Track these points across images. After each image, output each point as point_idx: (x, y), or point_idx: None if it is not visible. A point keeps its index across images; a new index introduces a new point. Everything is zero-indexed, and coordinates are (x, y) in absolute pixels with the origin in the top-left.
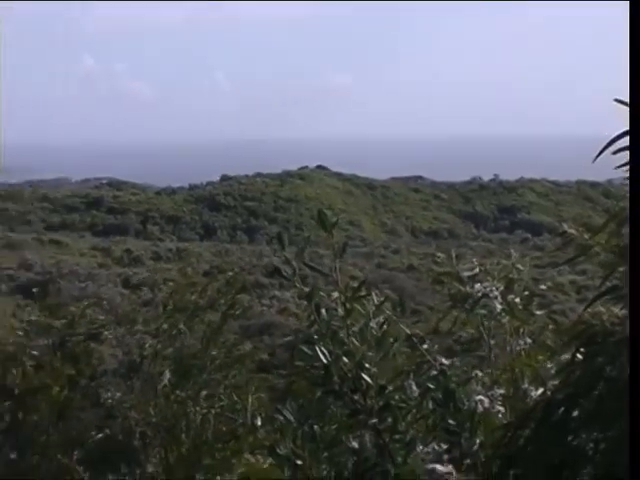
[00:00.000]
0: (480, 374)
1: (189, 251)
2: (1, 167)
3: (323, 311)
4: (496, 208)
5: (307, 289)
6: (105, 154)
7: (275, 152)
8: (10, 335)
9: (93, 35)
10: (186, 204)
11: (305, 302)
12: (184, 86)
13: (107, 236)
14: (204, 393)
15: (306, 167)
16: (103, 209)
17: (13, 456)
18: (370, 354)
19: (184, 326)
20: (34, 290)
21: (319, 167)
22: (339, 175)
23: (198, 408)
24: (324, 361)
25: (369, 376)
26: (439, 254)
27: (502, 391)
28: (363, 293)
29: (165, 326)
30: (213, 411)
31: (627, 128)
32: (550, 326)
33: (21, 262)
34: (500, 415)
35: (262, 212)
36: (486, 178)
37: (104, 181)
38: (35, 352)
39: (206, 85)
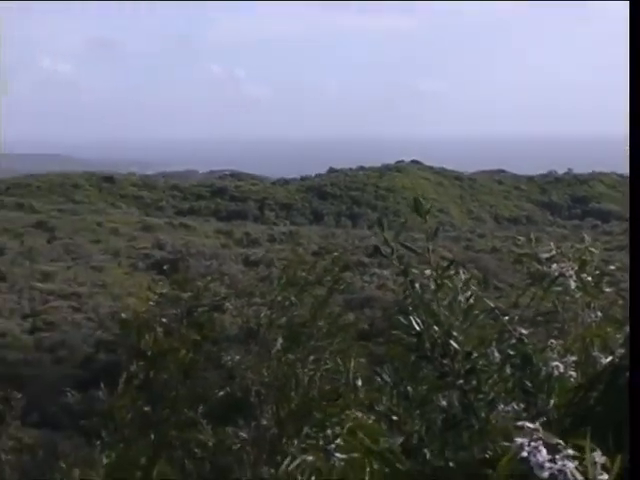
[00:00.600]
0: (555, 343)
1: (300, 234)
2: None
3: (417, 286)
4: (570, 198)
5: (402, 267)
6: (228, 149)
7: (375, 149)
8: (145, 305)
9: (219, 45)
10: (298, 193)
11: (401, 278)
12: (297, 87)
13: (229, 221)
14: (311, 357)
15: (402, 161)
16: (226, 197)
17: (147, 409)
18: (457, 324)
19: (295, 299)
20: (165, 267)
21: (413, 162)
22: (431, 169)
23: (306, 370)
24: (417, 329)
25: (456, 343)
26: (519, 237)
27: (574, 358)
28: (452, 271)
29: (279, 298)
30: (319, 373)
31: None
32: (619, 301)
33: (155, 242)
34: (572, 379)
35: (364, 200)
36: (561, 172)
37: (227, 172)
38: (165, 320)
39: (317, 88)
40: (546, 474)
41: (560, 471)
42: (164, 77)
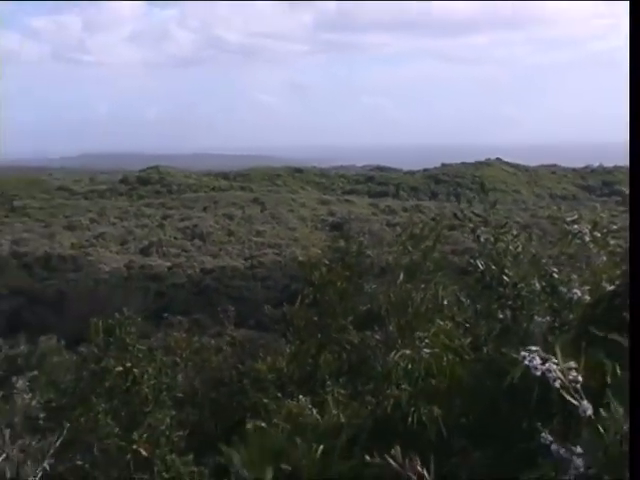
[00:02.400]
0: (575, 277)
1: (422, 207)
2: None
3: (482, 239)
4: (601, 182)
5: (472, 226)
6: (375, 150)
7: (473, 150)
8: (314, 253)
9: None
10: (421, 180)
11: (471, 234)
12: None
13: (376, 198)
14: (422, 286)
15: (490, 159)
16: (375, 182)
17: (315, 319)
18: (509, 264)
19: (411, 247)
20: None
21: (497, 159)
22: (508, 164)
23: (418, 294)
24: (481, 268)
25: (508, 277)
26: (560, 207)
27: (588, 287)
28: (505, 229)
29: (401, 247)
30: (426, 296)
31: None
32: (618, 249)
33: (328, 211)
34: (586, 301)
35: (464, 184)
36: (595, 165)
37: (375, 166)
38: (327, 261)
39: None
40: (538, 372)
41: (547, 370)
42: (337, 108)
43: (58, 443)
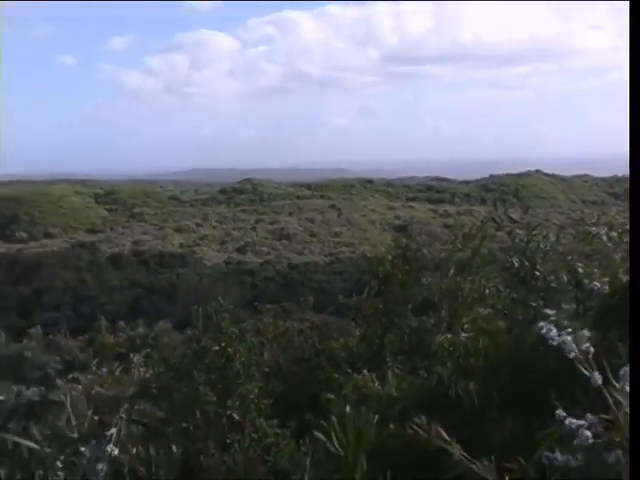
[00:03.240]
0: (596, 271)
1: (473, 211)
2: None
3: (516, 239)
4: (626, 190)
5: (508, 229)
6: (432, 163)
7: (513, 162)
8: (379, 250)
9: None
10: (473, 188)
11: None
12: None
13: (434, 204)
14: (469, 278)
15: (530, 170)
16: (433, 191)
17: (380, 306)
18: (540, 260)
19: (462, 245)
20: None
21: (537, 170)
22: (546, 174)
23: (466, 285)
24: (515, 264)
25: (539, 272)
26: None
27: (607, 279)
28: (537, 231)
29: (453, 246)
30: (473, 287)
31: None
32: None
33: (394, 215)
34: (606, 291)
35: (510, 192)
36: (620, 175)
37: (434, 177)
38: (390, 257)
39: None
40: (555, 342)
41: (563, 341)
42: (401, 128)
43: (167, 408)
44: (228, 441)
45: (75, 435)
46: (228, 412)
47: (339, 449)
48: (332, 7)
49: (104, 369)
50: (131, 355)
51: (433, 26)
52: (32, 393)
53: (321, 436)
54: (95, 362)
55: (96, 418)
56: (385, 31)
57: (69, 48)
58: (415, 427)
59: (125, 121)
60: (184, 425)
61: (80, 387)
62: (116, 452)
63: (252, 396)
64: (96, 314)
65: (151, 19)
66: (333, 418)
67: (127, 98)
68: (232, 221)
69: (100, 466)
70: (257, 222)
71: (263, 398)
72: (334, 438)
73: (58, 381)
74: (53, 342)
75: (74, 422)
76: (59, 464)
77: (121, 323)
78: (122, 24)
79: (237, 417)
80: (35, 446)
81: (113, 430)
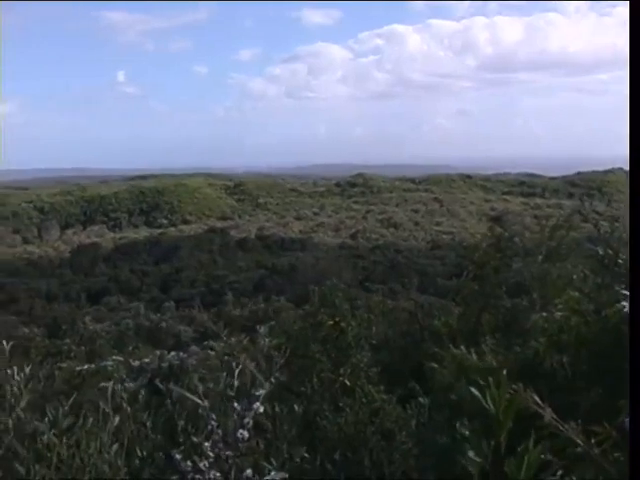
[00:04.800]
0: None
1: (562, 205)
2: None
3: (601, 230)
4: None
5: (594, 221)
6: (524, 159)
7: (598, 160)
8: (476, 238)
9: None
10: (562, 184)
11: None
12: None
13: (525, 197)
14: (558, 264)
15: (614, 168)
16: (525, 185)
17: (476, 287)
18: (622, 249)
19: (550, 234)
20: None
21: (619, 168)
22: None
23: (554, 271)
24: (600, 252)
25: (621, 259)
26: None
27: None
28: (619, 223)
29: (542, 234)
30: (557, 272)
31: None
32: None
33: (491, 207)
34: None
35: (595, 187)
36: None
37: (525, 172)
38: (485, 245)
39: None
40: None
41: None
42: (497, 128)
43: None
44: (340, 404)
45: (231, 393)
46: (341, 379)
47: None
48: (434, 21)
49: (233, 339)
50: (257, 327)
51: (524, 37)
52: (172, 357)
53: (424, 401)
54: (225, 332)
55: (236, 382)
56: (481, 42)
57: (202, 59)
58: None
59: (251, 122)
60: (302, 389)
61: (213, 353)
62: (261, 410)
63: (362, 365)
64: (225, 291)
65: (274, 34)
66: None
67: (253, 102)
68: (345, 211)
69: (247, 420)
70: (367, 212)
71: (372, 367)
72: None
73: (194, 347)
74: (188, 314)
75: (213, 383)
76: (214, 416)
77: (246, 299)
78: (249, 38)
79: (348, 383)
80: (199, 401)
81: (262, 391)
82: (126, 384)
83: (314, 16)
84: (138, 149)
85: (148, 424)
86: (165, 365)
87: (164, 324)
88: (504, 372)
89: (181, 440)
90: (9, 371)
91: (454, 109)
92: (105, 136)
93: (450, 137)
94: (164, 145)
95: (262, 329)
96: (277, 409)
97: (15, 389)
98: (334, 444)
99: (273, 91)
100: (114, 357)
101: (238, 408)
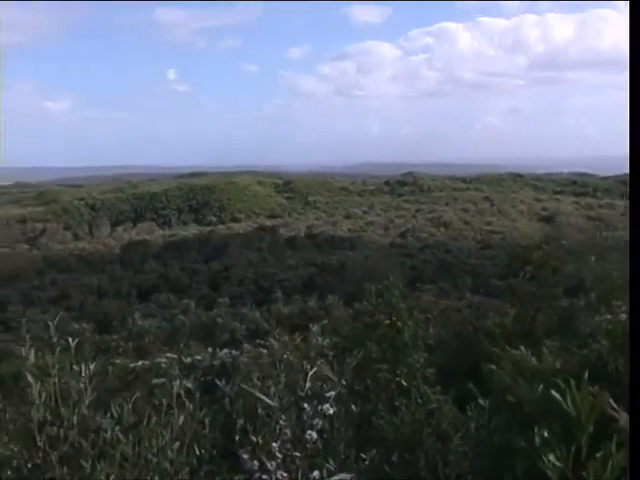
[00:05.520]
0: None
1: (615, 205)
2: None
3: None
4: None
5: None
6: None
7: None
8: (528, 238)
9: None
10: (614, 184)
11: None
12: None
13: (577, 196)
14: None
15: None
16: (577, 185)
17: (533, 289)
18: None
19: (604, 234)
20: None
21: None
22: None
23: (612, 271)
24: None
25: None
26: None
27: None
28: None
29: (595, 234)
30: (616, 273)
31: None
32: None
33: (541, 207)
34: None
35: None
36: None
37: (576, 172)
38: (541, 245)
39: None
40: None
41: None
42: (548, 127)
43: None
44: (396, 404)
45: (302, 394)
46: (397, 379)
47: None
48: (484, 19)
49: (285, 337)
50: (309, 325)
51: (575, 35)
52: (225, 354)
53: (484, 403)
54: (277, 330)
55: (308, 384)
56: (532, 40)
57: (253, 57)
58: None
59: (301, 120)
60: (357, 388)
61: (265, 351)
62: (331, 411)
63: (418, 365)
64: (274, 289)
65: (324, 32)
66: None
67: (302, 100)
68: (395, 209)
69: (316, 421)
70: (417, 211)
71: (428, 368)
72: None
73: (246, 345)
74: (239, 312)
75: (270, 383)
76: (283, 417)
77: (296, 297)
78: (299, 36)
79: (405, 383)
80: (269, 401)
81: (332, 393)
82: (182, 382)
83: (364, 14)
84: (188, 147)
85: (206, 422)
86: (217, 363)
87: (219, 320)
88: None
89: (238, 439)
90: (75, 367)
91: (505, 108)
92: (156, 134)
93: (500, 136)
94: (214, 143)
95: (315, 327)
96: (335, 409)
97: (81, 385)
98: (390, 444)
99: (322, 89)
100: (168, 354)
101: (308, 409)
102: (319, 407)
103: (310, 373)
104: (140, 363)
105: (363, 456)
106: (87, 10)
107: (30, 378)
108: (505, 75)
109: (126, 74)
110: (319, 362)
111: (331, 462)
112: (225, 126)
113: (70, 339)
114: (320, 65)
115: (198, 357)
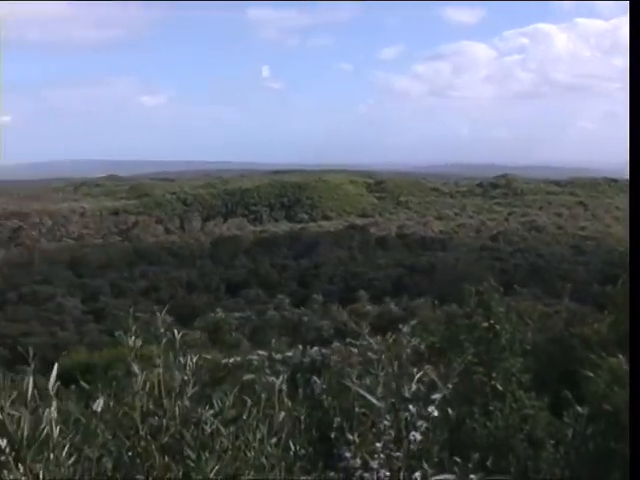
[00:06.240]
0: None
1: None
2: None
3: None
4: None
5: None
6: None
7: None
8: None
9: None
10: None
11: None
12: None
13: None
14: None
15: None
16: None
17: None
18: None
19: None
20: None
21: None
22: None
23: None
24: None
25: None
26: None
27: None
28: None
29: None
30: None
31: None
32: None
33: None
34: None
35: None
36: None
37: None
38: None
39: None
40: None
41: None
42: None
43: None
44: (491, 408)
45: (407, 395)
46: (492, 382)
47: None
48: (581, 20)
49: (378, 337)
50: (399, 326)
51: None
52: (315, 352)
53: (582, 410)
54: (367, 330)
55: (414, 386)
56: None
57: (346, 57)
58: None
59: (393, 120)
60: (460, 391)
61: (356, 351)
62: (436, 414)
63: (514, 370)
64: (363, 288)
65: (418, 32)
66: None
67: (395, 100)
68: (487, 212)
69: (420, 423)
70: (510, 214)
71: (523, 373)
72: None
73: (335, 344)
74: (327, 310)
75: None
76: (387, 417)
77: (386, 298)
78: (393, 36)
79: (500, 388)
80: (375, 401)
81: (437, 395)
82: (283, 377)
83: (458, 14)
84: (280, 144)
85: (302, 418)
86: (307, 360)
87: (306, 318)
88: None
89: (334, 436)
90: (181, 359)
91: (601, 111)
92: (248, 130)
93: (596, 139)
94: (306, 140)
95: (405, 328)
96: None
97: (185, 377)
98: (483, 449)
99: (416, 89)
100: (259, 352)
101: (413, 410)
102: (424, 409)
103: (417, 375)
104: (232, 360)
105: (457, 459)
106: (180, 10)
107: (135, 368)
108: (602, 78)
109: (221, 70)
110: (426, 366)
111: (425, 465)
112: (317, 124)
113: (176, 331)
114: (414, 65)
115: (289, 354)
